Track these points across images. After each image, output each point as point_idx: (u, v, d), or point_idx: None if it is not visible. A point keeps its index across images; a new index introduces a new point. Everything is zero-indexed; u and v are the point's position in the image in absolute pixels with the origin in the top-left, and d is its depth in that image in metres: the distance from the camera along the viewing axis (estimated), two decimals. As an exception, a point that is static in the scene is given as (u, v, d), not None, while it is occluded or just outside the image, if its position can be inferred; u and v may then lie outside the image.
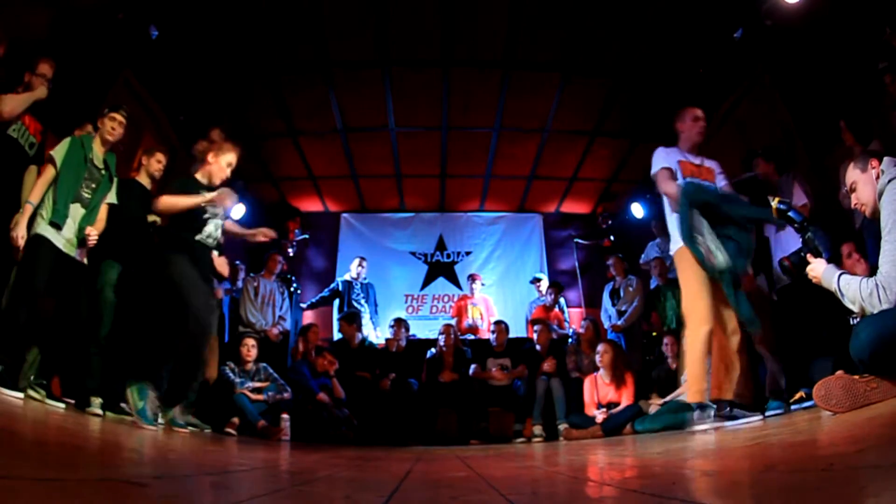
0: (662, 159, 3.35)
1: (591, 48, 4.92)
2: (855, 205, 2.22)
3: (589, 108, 5.70)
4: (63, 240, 3.04)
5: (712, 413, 2.91)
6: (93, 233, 3.16)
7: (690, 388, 2.98)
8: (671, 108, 5.56)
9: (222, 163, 3.19)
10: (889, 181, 2.02)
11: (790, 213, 2.48)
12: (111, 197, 3.35)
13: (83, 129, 3.39)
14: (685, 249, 3.02)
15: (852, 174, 2.21)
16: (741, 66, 4.74)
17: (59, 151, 3.08)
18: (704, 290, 2.99)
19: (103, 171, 3.28)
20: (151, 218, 3.59)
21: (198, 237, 3.07)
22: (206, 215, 3.10)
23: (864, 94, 3.44)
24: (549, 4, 4.52)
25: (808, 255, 2.28)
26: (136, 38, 4.19)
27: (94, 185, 3.22)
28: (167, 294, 2.96)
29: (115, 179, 3.38)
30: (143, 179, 3.71)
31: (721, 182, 3.32)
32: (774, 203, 2.54)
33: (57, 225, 2.98)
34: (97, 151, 3.26)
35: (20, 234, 2.90)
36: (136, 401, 2.78)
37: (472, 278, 6.92)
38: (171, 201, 3.01)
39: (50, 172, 3.03)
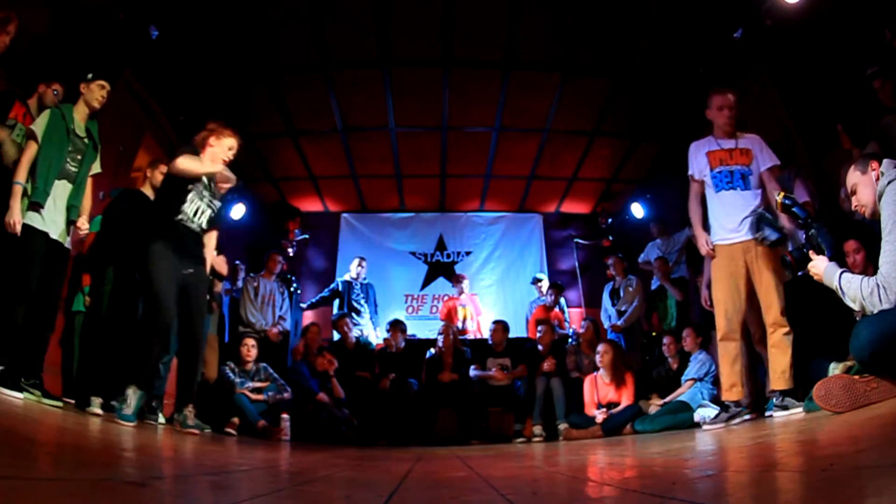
0: (692, 160, 3.35)
1: (591, 48, 4.91)
2: (855, 206, 2.22)
3: (589, 108, 5.69)
4: (55, 226, 2.95)
5: (734, 412, 2.97)
6: (84, 225, 3.13)
7: (723, 384, 3.08)
8: (671, 108, 5.57)
9: (224, 146, 3.12)
10: (889, 183, 2.02)
11: (794, 209, 2.48)
12: (96, 167, 3.27)
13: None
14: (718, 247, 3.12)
15: (852, 177, 2.22)
16: (741, 66, 4.74)
17: (39, 124, 2.94)
18: (729, 288, 3.06)
19: (86, 140, 3.16)
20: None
21: (178, 217, 2.98)
22: (190, 196, 3.03)
23: (862, 96, 3.44)
24: (549, 4, 4.52)
25: (811, 252, 2.27)
26: (136, 38, 4.19)
27: (79, 157, 3.11)
28: (143, 287, 2.93)
29: (99, 147, 3.28)
30: (147, 191, 3.73)
31: (763, 159, 3.21)
32: (779, 198, 2.54)
33: (38, 204, 2.87)
34: (78, 120, 3.13)
35: (16, 219, 2.78)
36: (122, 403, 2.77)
37: (457, 279, 6.87)
38: (187, 164, 2.92)
39: (33, 148, 2.89)
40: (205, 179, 3.09)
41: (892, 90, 3.18)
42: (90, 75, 3.18)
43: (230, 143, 3.15)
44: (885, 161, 2.10)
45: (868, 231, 2.64)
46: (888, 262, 1.95)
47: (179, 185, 3.00)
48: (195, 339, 3.13)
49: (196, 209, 3.07)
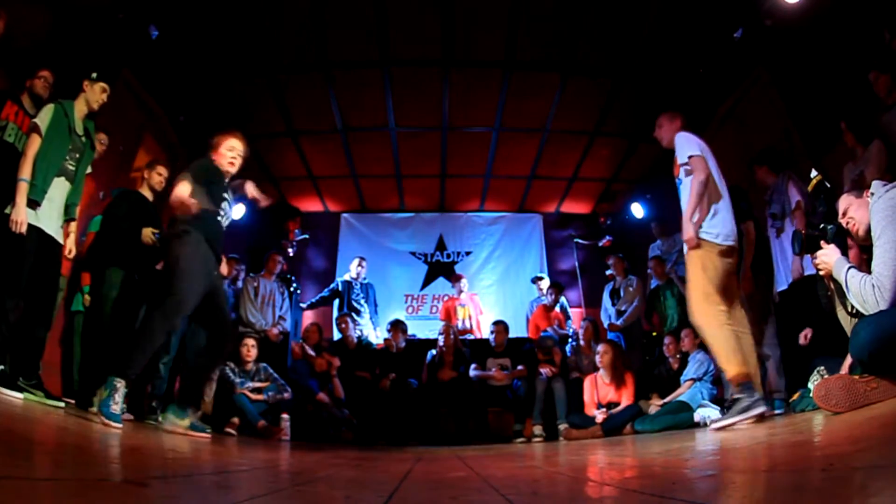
0: None
1: (591, 48, 4.91)
2: (846, 224, 2.24)
3: (589, 108, 5.69)
4: (49, 222, 2.95)
5: (759, 396, 2.71)
6: (73, 251, 3.18)
7: (729, 362, 2.76)
8: (671, 108, 5.55)
9: (227, 147, 3.12)
10: (880, 197, 2.06)
11: (822, 196, 2.48)
12: (89, 167, 3.29)
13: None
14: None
15: (846, 200, 2.26)
16: (741, 66, 4.74)
17: (43, 119, 2.92)
18: (717, 279, 2.94)
19: (84, 139, 3.17)
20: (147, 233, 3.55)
21: (219, 214, 2.99)
22: (226, 195, 3.06)
23: (864, 95, 3.44)
24: (549, 4, 4.52)
25: (822, 242, 2.28)
26: (136, 38, 4.19)
27: (77, 156, 3.10)
28: (165, 271, 2.84)
29: (95, 147, 3.31)
30: (146, 192, 3.75)
31: (682, 171, 3.10)
32: (815, 179, 2.53)
33: (35, 202, 2.84)
34: (78, 118, 3.12)
35: (21, 218, 2.75)
36: (103, 394, 2.54)
37: (456, 279, 6.88)
38: (180, 190, 2.81)
39: (36, 142, 2.86)
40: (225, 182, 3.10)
41: (887, 84, 3.18)
42: (94, 74, 3.18)
43: (232, 143, 3.14)
44: (874, 182, 2.15)
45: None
46: (880, 262, 1.98)
47: (219, 186, 3.01)
48: (227, 336, 3.10)
49: (227, 205, 3.08)
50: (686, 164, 3.05)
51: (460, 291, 6.75)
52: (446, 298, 7.17)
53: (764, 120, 4.76)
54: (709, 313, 2.86)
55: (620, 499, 1.15)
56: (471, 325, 6.57)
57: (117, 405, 2.44)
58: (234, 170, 3.14)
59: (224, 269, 3.69)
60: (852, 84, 3.55)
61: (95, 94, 3.17)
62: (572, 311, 7.01)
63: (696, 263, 2.96)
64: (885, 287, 1.93)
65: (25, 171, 2.82)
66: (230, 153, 3.12)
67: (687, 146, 3.09)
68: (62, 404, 2.90)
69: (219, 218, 3.00)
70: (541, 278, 6.83)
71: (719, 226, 2.97)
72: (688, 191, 3.02)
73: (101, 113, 3.29)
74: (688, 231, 2.96)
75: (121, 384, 2.50)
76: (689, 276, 3.00)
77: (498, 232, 7.87)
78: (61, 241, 3.08)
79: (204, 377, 3.21)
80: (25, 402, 2.65)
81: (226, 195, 3.09)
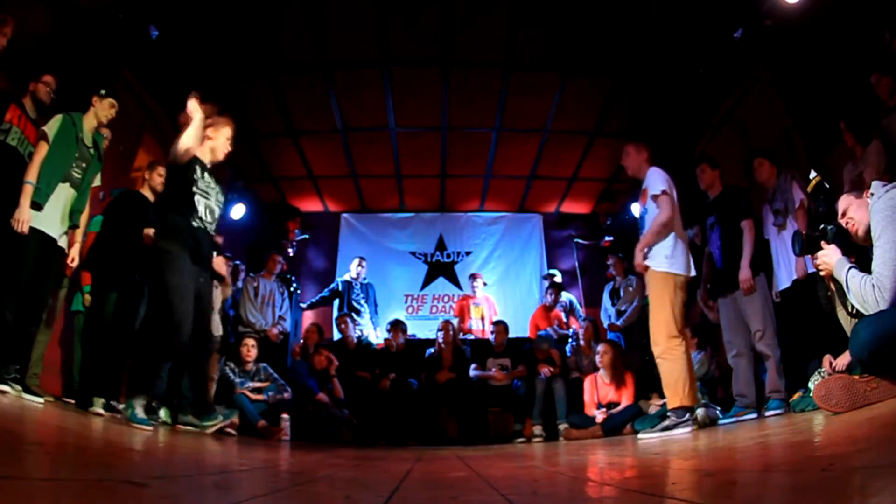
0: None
1: (591, 48, 4.91)
2: (846, 224, 2.24)
3: (589, 108, 5.69)
4: (52, 224, 2.97)
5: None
6: (76, 259, 3.21)
7: (676, 394, 3.11)
8: (671, 109, 5.58)
9: (223, 137, 3.12)
10: (879, 197, 2.06)
11: (821, 197, 2.51)
12: (98, 178, 3.35)
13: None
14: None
15: (846, 200, 2.27)
16: (741, 66, 4.74)
17: (51, 127, 3.03)
18: (678, 309, 3.19)
19: (92, 150, 3.25)
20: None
21: (192, 219, 2.90)
22: (196, 198, 2.93)
23: (864, 95, 3.44)
24: (550, 4, 4.52)
25: (823, 242, 2.28)
26: (136, 38, 4.19)
27: (84, 165, 3.19)
28: (155, 291, 2.87)
29: (102, 159, 3.38)
30: (146, 192, 3.76)
31: (650, 191, 3.37)
32: (815, 180, 2.57)
33: (38, 205, 2.90)
34: (87, 130, 3.22)
35: (24, 218, 2.82)
36: (127, 412, 2.71)
37: (472, 277, 6.89)
38: (189, 138, 2.85)
39: (44, 149, 2.97)
40: (207, 176, 3.03)
41: (888, 87, 3.18)
42: (103, 91, 3.27)
43: (228, 132, 3.14)
44: (873, 183, 2.15)
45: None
46: (880, 262, 1.97)
47: (185, 187, 2.91)
48: (206, 342, 3.10)
49: (206, 208, 3.00)
50: (656, 195, 3.29)
51: (475, 290, 6.74)
52: (461, 296, 7.15)
53: (764, 120, 4.76)
54: (667, 347, 3.16)
55: (620, 499, 1.15)
56: (483, 326, 6.55)
57: (141, 410, 2.69)
58: (222, 157, 3.15)
59: (223, 269, 3.69)
60: (852, 84, 3.55)
61: (104, 108, 3.28)
62: (572, 311, 7.00)
63: (658, 296, 3.22)
64: (885, 287, 1.92)
65: (31, 175, 2.91)
66: (229, 143, 3.13)
67: (660, 181, 3.33)
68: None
69: (195, 224, 2.91)
70: (553, 275, 6.82)
71: (682, 258, 3.23)
72: (651, 220, 3.28)
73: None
74: (638, 258, 3.28)
75: (138, 402, 2.69)
76: (652, 307, 3.26)
77: (498, 232, 7.87)
78: (62, 244, 3.10)
79: (200, 383, 3.23)
80: (24, 401, 2.65)
81: (210, 188, 3.01)
